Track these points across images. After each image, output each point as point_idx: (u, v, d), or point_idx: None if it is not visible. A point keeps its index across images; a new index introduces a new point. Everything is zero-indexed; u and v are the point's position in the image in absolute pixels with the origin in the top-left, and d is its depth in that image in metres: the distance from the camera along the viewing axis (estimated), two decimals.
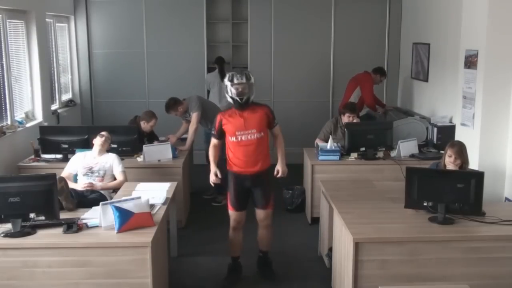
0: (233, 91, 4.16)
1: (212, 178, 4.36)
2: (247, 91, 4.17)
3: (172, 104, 6.17)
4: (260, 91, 7.95)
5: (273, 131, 4.41)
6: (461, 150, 4.23)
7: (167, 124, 6.69)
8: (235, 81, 4.15)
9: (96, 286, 3.55)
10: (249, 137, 4.23)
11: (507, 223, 3.76)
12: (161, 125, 6.38)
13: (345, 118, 5.97)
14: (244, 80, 4.15)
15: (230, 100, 4.23)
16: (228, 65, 8.30)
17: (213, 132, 4.39)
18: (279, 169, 4.42)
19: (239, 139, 4.23)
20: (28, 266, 3.52)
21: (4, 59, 5.78)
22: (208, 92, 7.99)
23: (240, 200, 4.39)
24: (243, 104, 4.19)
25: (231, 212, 4.43)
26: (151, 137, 6.28)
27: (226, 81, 4.20)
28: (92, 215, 3.92)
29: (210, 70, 8.18)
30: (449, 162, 4.23)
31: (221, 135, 4.33)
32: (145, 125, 6.12)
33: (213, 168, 4.37)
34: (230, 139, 4.28)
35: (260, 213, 4.43)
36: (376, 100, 7.52)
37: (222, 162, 4.45)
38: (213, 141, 4.41)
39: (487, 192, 4.05)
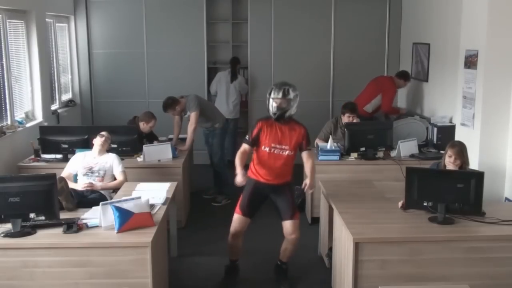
0: (272, 104, 4.14)
1: (240, 180, 4.10)
2: (284, 106, 4.12)
3: (170, 103, 6.16)
4: (260, 91, 8.06)
5: (304, 154, 4.29)
6: (461, 151, 4.22)
7: (166, 123, 6.68)
8: (272, 95, 4.15)
9: (96, 286, 3.55)
10: (281, 152, 4.20)
11: (507, 223, 3.76)
12: (160, 124, 6.38)
13: (345, 118, 5.97)
14: (280, 96, 4.11)
15: (270, 111, 4.19)
16: (228, 65, 8.31)
17: (246, 137, 4.28)
18: (307, 183, 4.24)
19: (272, 151, 4.20)
20: (28, 266, 3.52)
21: (4, 59, 5.78)
22: (209, 91, 8.01)
23: (252, 206, 4.31)
24: (277, 118, 4.16)
25: (237, 216, 4.31)
26: (151, 137, 6.28)
27: (268, 94, 4.19)
28: (92, 215, 3.91)
29: (210, 70, 8.22)
30: (449, 162, 4.23)
31: (254, 143, 4.22)
32: (144, 126, 6.12)
33: (239, 170, 4.13)
34: (262, 148, 4.22)
35: (288, 226, 4.28)
36: (393, 110, 7.31)
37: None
38: (245, 146, 4.26)
39: (487, 192, 4.05)
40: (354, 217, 3.87)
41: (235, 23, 8.36)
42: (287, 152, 4.21)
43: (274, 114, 4.15)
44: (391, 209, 4.06)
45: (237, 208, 4.35)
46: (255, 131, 4.23)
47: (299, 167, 6.33)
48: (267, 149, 4.21)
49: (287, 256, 4.49)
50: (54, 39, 7.43)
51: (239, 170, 4.14)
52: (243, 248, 4.54)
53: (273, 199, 4.34)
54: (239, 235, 4.38)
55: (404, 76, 7.19)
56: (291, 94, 4.14)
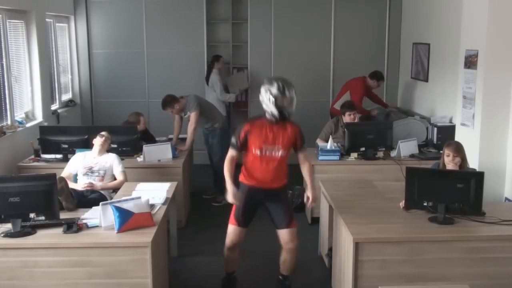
0: (283, 103, 3.76)
1: (231, 199, 3.91)
2: (293, 106, 3.84)
3: (169, 101, 6.15)
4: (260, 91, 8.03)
5: (300, 155, 4.06)
6: (458, 147, 4.23)
7: (166, 123, 6.68)
8: (287, 94, 3.76)
9: (96, 286, 3.55)
10: (273, 153, 3.89)
11: (507, 223, 3.76)
12: (160, 124, 6.38)
13: (347, 117, 5.99)
14: (294, 95, 3.78)
15: (273, 110, 3.78)
16: (228, 65, 8.31)
17: (233, 141, 3.95)
18: (310, 195, 4.01)
19: (263, 153, 3.89)
20: (28, 266, 3.52)
21: (4, 59, 5.78)
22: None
23: (247, 215, 4.03)
24: (284, 119, 3.83)
25: (232, 227, 4.05)
26: (147, 137, 6.23)
27: (275, 91, 3.75)
28: (92, 215, 3.92)
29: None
30: (448, 161, 4.23)
31: (242, 147, 3.93)
32: (138, 127, 6.07)
33: (230, 187, 3.88)
34: (253, 151, 3.90)
35: (284, 234, 4.00)
36: (378, 101, 7.53)
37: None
38: (232, 152, 3.97)
39: (487, 192, 4.05)
40: (354, 217, 3.87)
41: (235, 23, 8.36)
42: (280, 152, 3.90)
43: (289, 114, 3.81)
44: (391, 209, 4.06)
45: (231, 219, 4.07)
46: (242, 134, 3.91)
47: (297, 168, 6.33)
48: (258, 151, 3.89)
49: (288, 269, 4.20)
50: (54, 39, 7.43)
51: (229, 186, 3.88)
52: (242, 246, 4.47)
53: (267, 206, 4.04)
54: (236, 247, 4.15)
55: (376, 76, 7.14)
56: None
